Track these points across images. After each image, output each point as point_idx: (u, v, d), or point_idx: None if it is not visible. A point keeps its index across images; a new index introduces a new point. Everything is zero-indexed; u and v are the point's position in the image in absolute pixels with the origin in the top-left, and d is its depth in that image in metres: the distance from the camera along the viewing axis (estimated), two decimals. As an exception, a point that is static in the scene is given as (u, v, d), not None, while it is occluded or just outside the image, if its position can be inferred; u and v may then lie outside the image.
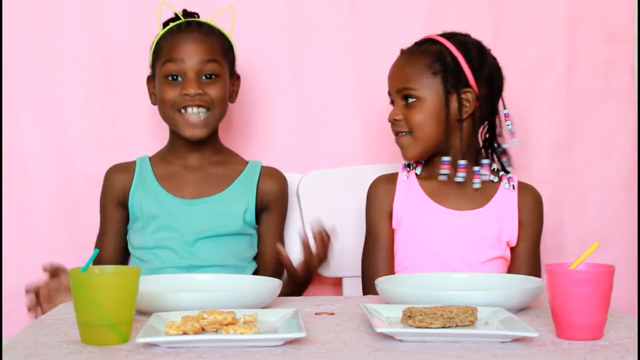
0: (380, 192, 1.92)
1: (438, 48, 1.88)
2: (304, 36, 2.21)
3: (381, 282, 1.59)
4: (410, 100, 1.86)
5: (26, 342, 1.31)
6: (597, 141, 2.27)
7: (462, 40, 1.90)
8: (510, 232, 1.87)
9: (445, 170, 1.85)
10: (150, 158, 2.00)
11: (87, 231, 2.13)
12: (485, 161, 1.88)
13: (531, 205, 1.90)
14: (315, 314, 1.52)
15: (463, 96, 1.86)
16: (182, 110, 1.89)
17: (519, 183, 1.91)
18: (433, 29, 2.18)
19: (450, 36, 1.90)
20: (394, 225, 1.89)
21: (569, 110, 2.26)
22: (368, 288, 1.88)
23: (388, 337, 1.32)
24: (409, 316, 1.34)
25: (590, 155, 2.27)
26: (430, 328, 1.32)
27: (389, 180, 1.93)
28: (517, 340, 1.29)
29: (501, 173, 1.91)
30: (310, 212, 2.09)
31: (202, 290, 1.62)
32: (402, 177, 1.91)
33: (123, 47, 2.14)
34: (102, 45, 2.15)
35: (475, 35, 2.22)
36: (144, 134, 2.15)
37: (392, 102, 1.91)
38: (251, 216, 1.94)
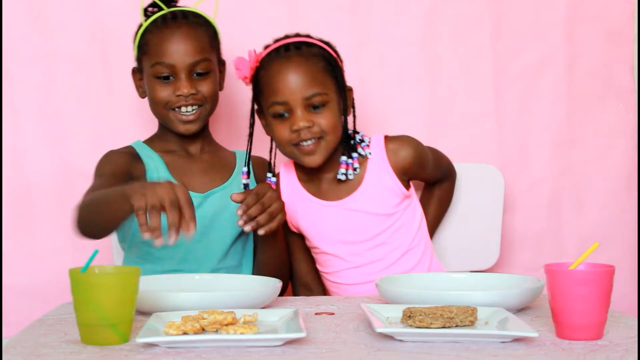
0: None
1: (319, 50, 1.87)
2: (303, 36, 2.20)
3: (381, 282, 1.59)
4: (319, 105, 1.82)
5: (26, 342, 1.31)
6: (597, 141, 2.27)
7: (324, 41, 1.91)
8: (394, 182, 1.88)
9: (343, 170, 1.87)
10: (147, 145, 1.95)
11: (87, 231, 2.13)
12: (355, 155, 1.89)
13: (404, 153, 1.90)
14: (315, 314, 1.52)
15: (349, 94, 1.90)
16: (176, 109, 1.88)
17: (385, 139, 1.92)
18: (433, 29, 2.19)
19: (308, 36, 1.91)
20: (293, 228, 1.95)
21: (569, 110, 2.26)
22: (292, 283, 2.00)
23: (388, 337, 1.32)
24: (409, 316, 1.34)
25: (590, 155, 2.27)
26: (430, 328, 1.32)
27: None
28: (517, 340, 1.29)
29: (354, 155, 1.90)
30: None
31: (202, 290, 1.62)
32: (287, 181, 1.94)
33: (123, 47, 2.13)
34: (102, 45, 2.15)
35: (475, 35, 2.23)
36: (144, 133, 2.15)
37: (282, 114, 1.83)
38: None
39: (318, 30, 2.20)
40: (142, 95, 1.95)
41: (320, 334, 1.36)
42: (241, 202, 1.65)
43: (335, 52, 1.91)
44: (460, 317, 1.34)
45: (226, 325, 1.31)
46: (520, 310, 1.53)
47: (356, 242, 1.89)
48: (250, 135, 1.92)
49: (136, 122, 2.16)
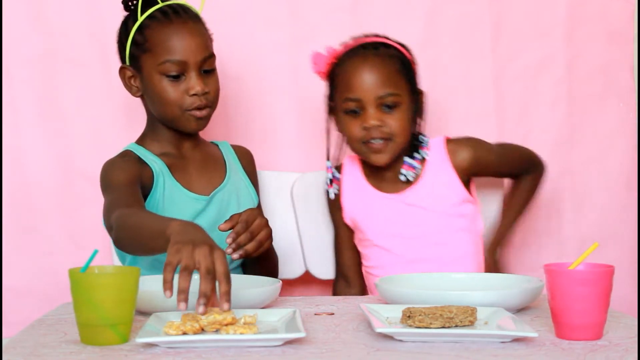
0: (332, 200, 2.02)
1: (396, 52, 1.90)
2: (304, 36, 2.21)
3: (381, 282, 1.59)
4: (391, 106, 1.86)
5: (26, 342, 1.31)
6: (597, 141, 2.27)
7: (401, 43, 1.93)
8: (455, 182, 1.92)
9: (404, 170, 1.91)
10: (146, 148, 1.90)
11: (87, 231, 2.13)
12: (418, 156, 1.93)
13: (461, 147, 1.94)
14: (315, 314, 1.52)
15: (420, 97, 1.92)
16: (190, 110, 1.85)
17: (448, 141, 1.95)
18: (433, 29, 2.20)
19: (386, 38, 1.93)
20: (348, 221, 1.98)
21: (569, 110, 2.26)
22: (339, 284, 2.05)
23: (388, 337, 1.32)
24: (409, 316, 1.34)
25: (591, 155, 2.27)
26: (430, 328, 1.32)
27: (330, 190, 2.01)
28: (517, 340, 1.29)
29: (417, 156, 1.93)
30: (303, 212, 2.10)
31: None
32: (350, 175, 1.98)
33: (123, 47, 2.14)
34: (102, 45, 2.15)
35: (475, 35, 2.23)
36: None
37: (354, 111, 1.87)
38: (252, 189, 1.96)
39: (318, 30, 2.21)
40: (136, 94, 1.88)
41: (320, 334, 1.36)
42: (230, 229, 1.59)
43: (411, 54, 1.93)
44: (460, 317, 1.34)
45: (226, 325, 1.31)
46: (520, 310, 1.53)
47: (412, 237, 1.91)
48: (328, 131, 1.97)
49: (136, 122, 2.16)
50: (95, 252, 1.36)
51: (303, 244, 2.10)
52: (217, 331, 1.32)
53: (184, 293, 1.30)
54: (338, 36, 2.15)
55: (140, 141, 1.92)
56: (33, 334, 1.37)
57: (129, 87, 1.89)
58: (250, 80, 2.19)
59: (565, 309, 1.30)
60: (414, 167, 1.91)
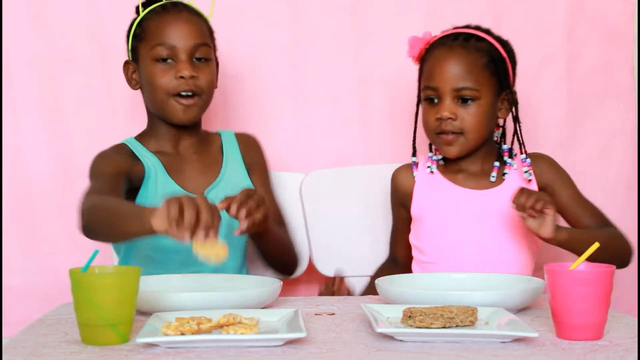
0: (396, 184, 1.98)
1: (487, 46, 1.87)
2: (304, 36, 2.21)
3: (381, 282, 1.59)
4: (469, 100, 1.84)
5: (26, 342, 1.31)
6: (597, 141, 2.27)
7: (502, 40, 1.90)
8: None
9: (495, 173, 1.89)
10: (141, 143, 1.92)
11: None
12: (510, 161, 1.91)
13: (545, 166, 1.92)
14: (316, 314, 1.52)
15: (508, 98, 1.88)
16: (176, 96, 1.84)
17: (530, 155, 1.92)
18: (433, 29, 2.18)
19: (486, 32, 1.90)
20: (414, 212, 1.93)
21: (569, 109, 2.26)
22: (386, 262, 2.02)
23: (388, 337, 1.32)
24: (409, 316, 1.34)
25: (591, 154, 2.27)
26: (431, 328, 1.32)
27: (405, 171, 1.97)
28: (517, 340, 1.29)
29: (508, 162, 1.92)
30: (312, 211, 2.09)
31: (202, 290, 1.62)
32: (425, 169, 1.94)
33: (123, 47, 2.13)
34: (102, 45, 2.15)
35: (475, 35, 2.22)
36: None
37: (432, 99, 1.86)
38: (249, 181, 1.95)
39: (318, 30, 2.20)
40: (135, 86, 1.90)
41: (320, 334, 1.36)
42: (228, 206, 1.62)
43: (510, 52, 1.90)
44: (461, 317, 1.34)
45: (226, 325, 1.31)
46: (521, 310, 1.53)
47: (480, 235, 1.87)
48: (416, 115, 1.95)
49: (136, 122, 2.16)
50: (96, 252, 1.36)
51: (310, 240, 2.10)
52: (217, 331, 1.32)
53: (190, 227, 1.39)
54: (338, 36, 2.16)
55: (139, 137, 1.93)
56: (33, 334, 1.37)
57: (129, 80, 1.92)
58: (250, 80, 2.19)
59: (566, 309, 1.30)
60: (503, 173, 1.89)
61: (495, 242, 1.87)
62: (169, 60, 1.84)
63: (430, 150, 1.95)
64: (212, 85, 1.88)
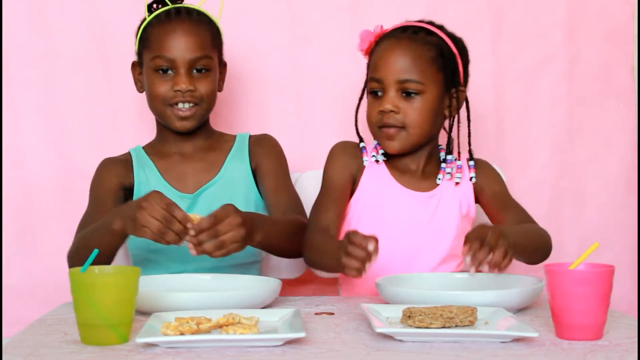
0: (348, 154, 1.88)
1: (437, 40, 1.82)
2: (304, 36, 2.21)
3: (381, 282, 1.59)
4: (412, 93, 1.78)
5: (26, 342, 1.31)
6: (597, 141, 2.27)
7: (454, 36, 1.85)
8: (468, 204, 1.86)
9: (450, 169, 1.84)
10: (145, 150, 1.95)
11: (87, 231, 2.13)
12: (450, 157, 1.86)
13: (484, 171, 1.88)
14: (315, 314, 1.52)
15: (458, 95, 1.82)
16: (173, 105, 1.86)
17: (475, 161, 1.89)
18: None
19: (439, 27, 1.85)
20: (355, 197, 1.85)
21: (569, 110, 2.26)
22: (310, 230, 1.78)
23: (388, 337, 1.32)
24: (409, 316, 1.34)
25: (590, 155, 2.27)
26: (430, 328, 1.32)
27: (355, 148, 1.88)
28: (517, 340, 1.29)
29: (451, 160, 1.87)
30: (308, 210, 2.08)
31: (202, 290, 1.62)
32: (370, 157, 1.86)
33: (123, 47, 2.13)
34: (102, 45, 2.15)
35: (475, 35, 2.23)
36: (144, 133, 2.15)
37: (376, 92, 1.81)
38: (252, 186, 1.92)
39: (318, 30, 2.20)
40: (140, 89, 1.93)
41: (320, 334, 1.36)
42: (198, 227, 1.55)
43: (462, 50, 1.85)
44: (460, 317, 1.34)
45: (226, 325, 1.31)
46: (520, 310, 1.53)
47: (415, 240, 1.82)
48: (357, 107, 1.89)
49: (136, 122, 2.16)
50: (96, 252, 1.36)
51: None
52: (217, 331, 1.32)
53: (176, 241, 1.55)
54: (338, 36, 2.15)
55: (148, 144, 1.97)
56: (33, 334, 1.37)
57: (136, 82, 1.94)
58: (250, 80, 2.19)
59: (566, 309, 1.30)
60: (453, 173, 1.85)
61: (429, 249, 1.83)
62: (169, 72, 1.85)
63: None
64: (213, 93, 1.89)
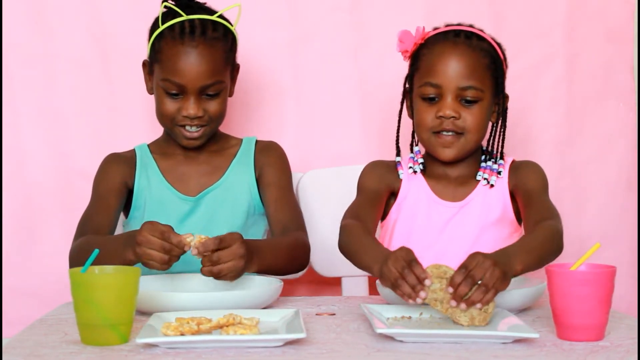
0: (382, 169, 1.86)
1: (488, 46, 1.80)
2: (304, 36, 2.21)
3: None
4: (472, 100, 1.76)
5: (26, 342, 1.31)
6: (597, 141, 2.27)
7: (497, 41, 1.84)
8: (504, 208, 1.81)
9: (485, 174, 1.81)
10: (150, 148, 1.94)
11: (87, 231, 2.13)
12: (489, 163, 1.83)
13: (519, 172, 1.83)
14: (316, 314, 1.53)
15: (503, 101, 1.82)
16: (181, 126, 1.85)
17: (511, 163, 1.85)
18: (433, 29, 2.18)
19: (481, 31, 1.83)
20: (394, 208, 1.84)
21: (569, 110, 2.26)
22: (349, 221, 1.76)
23: (388, 337, 1.32)
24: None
25: (590, 155, 2.27)
26: (434, 329, 1.32)
27: (386, 165, 1.87)
28: (518, 341, 1.30)
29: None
30: (309, 211, 2.09)
31: (202, 290, 1.62)
32: (407, 170, 1.84)
33: (123, 47, 2.13)
34: (102, 45, 2.15)
35: (476, 35, 2.23)
36: (144, 133, 2.15)
37: (432, 97, 1.77)
38: (254, 192, 1.91)
39: (318, 30, 2.20)
40: (150, 91, 1.90)
41: (320, 334, 1.36)
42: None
43: (504, 54, 1.84)
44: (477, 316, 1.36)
45: (226, 325, 1.31)
46: (522, 311, 1.53)
47: (449, 247, 1.79)
48: (400, 113, 1.86)
49: (136, 122, 2.16)
50: (96, 252, 1.36)
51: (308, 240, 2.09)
52: (217, 331, 1.32)
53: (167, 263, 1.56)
54: (338, 36, 2.15)
55: (154, 142, 1.96)
56: (33, 334, 1.37)
57: (145, 82, 1.91)
58: (250, 79, 2.19)
59: (567, 310, 1.30)
60: (497, 172, 1.80)
61: (457, 256, 1.74)
62: (180, 95, 1.82)
63: (412, 152, 1.87)
64: (222, 112, 1.87)
